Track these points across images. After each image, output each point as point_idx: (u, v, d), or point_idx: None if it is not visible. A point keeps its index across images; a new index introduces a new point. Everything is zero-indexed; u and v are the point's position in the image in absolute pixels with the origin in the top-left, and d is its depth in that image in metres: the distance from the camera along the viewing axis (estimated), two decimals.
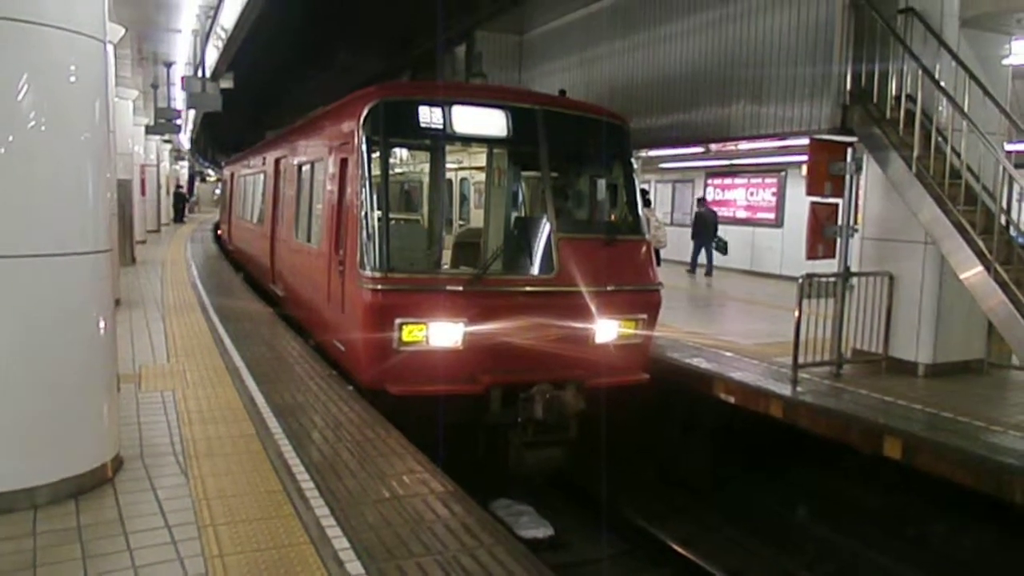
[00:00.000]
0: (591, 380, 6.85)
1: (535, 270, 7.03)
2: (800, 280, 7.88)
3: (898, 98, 7.94)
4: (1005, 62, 8.63)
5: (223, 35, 13.42)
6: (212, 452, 4.96)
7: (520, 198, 8.66)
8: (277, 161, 11.96)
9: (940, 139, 7.79)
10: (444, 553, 3.70)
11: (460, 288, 6.50)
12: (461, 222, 12.33)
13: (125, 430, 5.06)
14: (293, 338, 8.97)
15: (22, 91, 3.90)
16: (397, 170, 8.89)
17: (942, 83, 7.56)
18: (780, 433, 7.20)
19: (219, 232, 25.45)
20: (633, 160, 8.05)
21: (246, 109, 25.83)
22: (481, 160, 10.96)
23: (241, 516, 4.01)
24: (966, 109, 7.30)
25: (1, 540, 3.67)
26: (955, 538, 6.24)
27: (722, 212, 18.81)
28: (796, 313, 7.76)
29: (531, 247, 7.17)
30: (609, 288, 6.97)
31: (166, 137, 27.43)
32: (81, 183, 4.22)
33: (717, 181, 20.25)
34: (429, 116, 6.88)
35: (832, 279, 8.21)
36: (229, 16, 12.19)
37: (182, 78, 14.84)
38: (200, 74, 13.86)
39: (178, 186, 40.73)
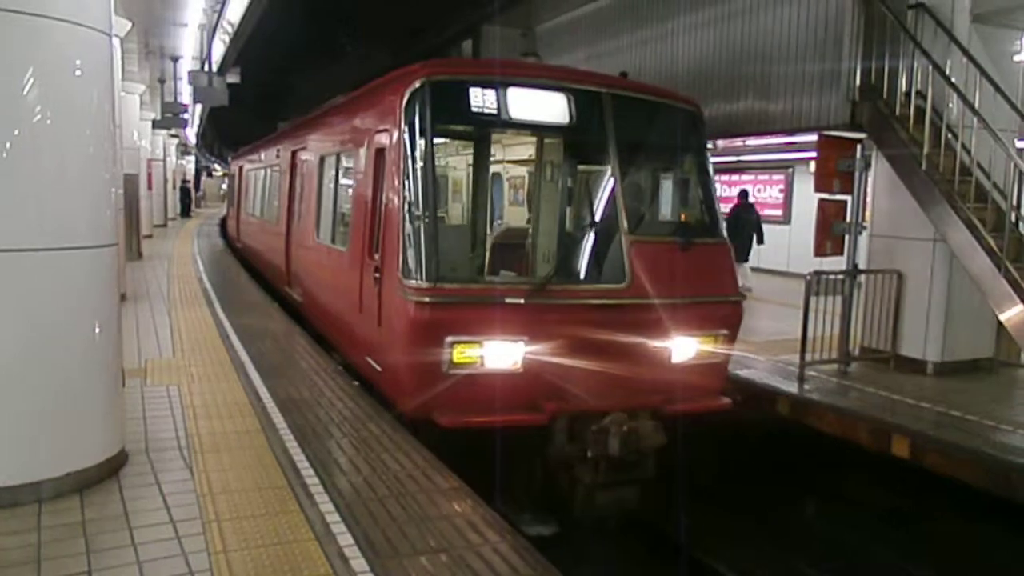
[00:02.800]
0: (668, 407, 6.00)
1: (603, 279, 6.01)
2: (808, 277, 7.84)
3: (908, 94, 7.88)
4: (1017, 58, 8.56)
5: (230, 29, 13.42)
6: (217, 447, 4.95)
7: (577, 194, 7.31)
8: (294, 154, 11.08)
9: (950, 136, 7.73)
10: (449, 550, 3.68)
11: (521, 301, 5.55)
12: (497, 221, 11.03)
13: (130, 425, 5.06)
14: (303, 337, 8.97)
15: (28, 85, 3.89)
16: (441, 162, 7.50)
17: (953, 79, 7.50)
18: (785, 430, 7.17)
19: (227, 229, 24.57)
20: (707, 151, 7.06)
21: (253, 104, 25.83)
22: (518, 152, 10.41)
23: (246, 512, 4.00)
24: (977, 105, 7.24)
25: (6, 534, 3.67)
26: (963, 537, 6.20)
27: (728, 209, 18.72)
28: (803, 310, 7.72)
29: (597, 252, 6.15)
30: (688, 300, 6.04)
31: (172, 132, 27.46)
32: (87, 177, 4.21)
33: (724, 177, 20.18)
34: (481, 99, 5.91)
35: (840, 276, 8.17)
36: (236, 10, 12.20)
37: (189, 72, 14.84)
38: (207, 68, 13.88)
39: (184, 181, 40.79)
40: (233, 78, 16.09)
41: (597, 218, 6.23)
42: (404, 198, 5.73)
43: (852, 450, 6.65)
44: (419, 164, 5.79)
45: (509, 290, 5.69)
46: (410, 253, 5.58)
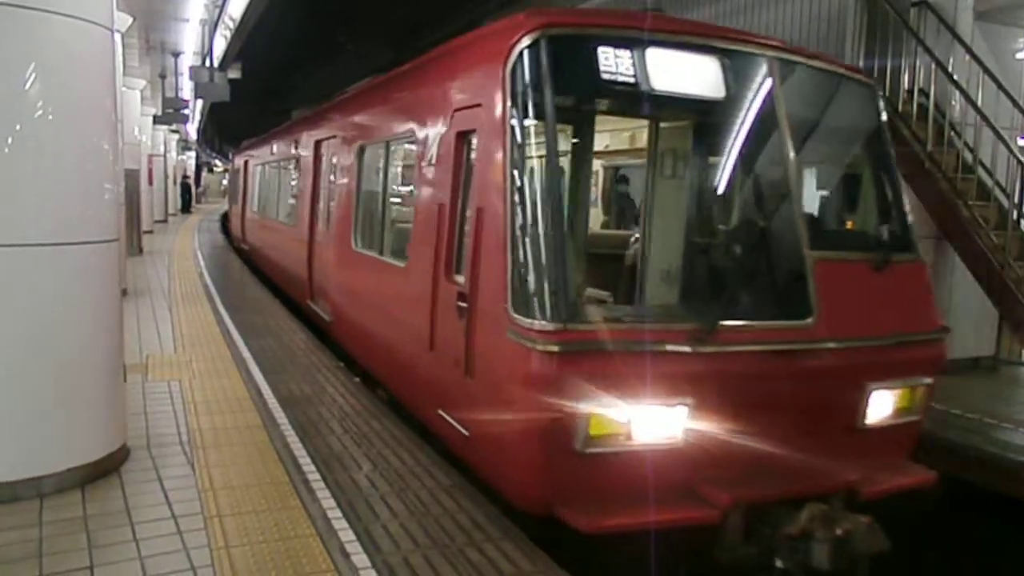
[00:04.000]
0: (867, 487, 4.41)
1: (779, 314, 4.35)
2: None
3: (911, 92, 7.87)
4: (1019, 56, 8.55)
5: (231, 25, 13.40)
6: (218, 443, 4.95)
7: (714, 194, 5.30)
8: (319, 144, 9.56)
9: (953, 133, 7.72)
10: (451, 546, 3.69)
11: (686, 349, 3.95)
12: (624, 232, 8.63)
13: (132, 420, 5.06)
14: (302, 330, 8.97)
15: (30, 80, 3.88)
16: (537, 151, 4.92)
17: (955, 77, 7.49)
18: None
19: (229, 227, 23.53)
20: (890, 140, 5.35)
21: (254, 99, 25.85)
22: (609, 139, 8.50)
23: (247, 507, 4.00)
24: (980, 103, 7.23)
25: (8, 529, 3.67)
26: (965, 534, 6.19)
27: None
28: None
29: (767, 277, 4.55)
30: (890, 340, 4.55)
31: (173, 127, 27.45)
32: (89, 172, 4.20)
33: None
34: (614, 62, 4.28)
35: None
36: (237, 6, 12.18)
37: (190, 68, 14.84)
38: (208, 64, 13.86)
39: (185, 176, 40.79)
40: (234, 74, 16.09)
41: (756, 226, 4.62)
42: (515, 201, 4.10)
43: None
44: (539, 153, 4.18)
45: (667, 333, 4.00)
46: (529, 280, 3.96)
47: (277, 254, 12.41)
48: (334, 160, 8.70)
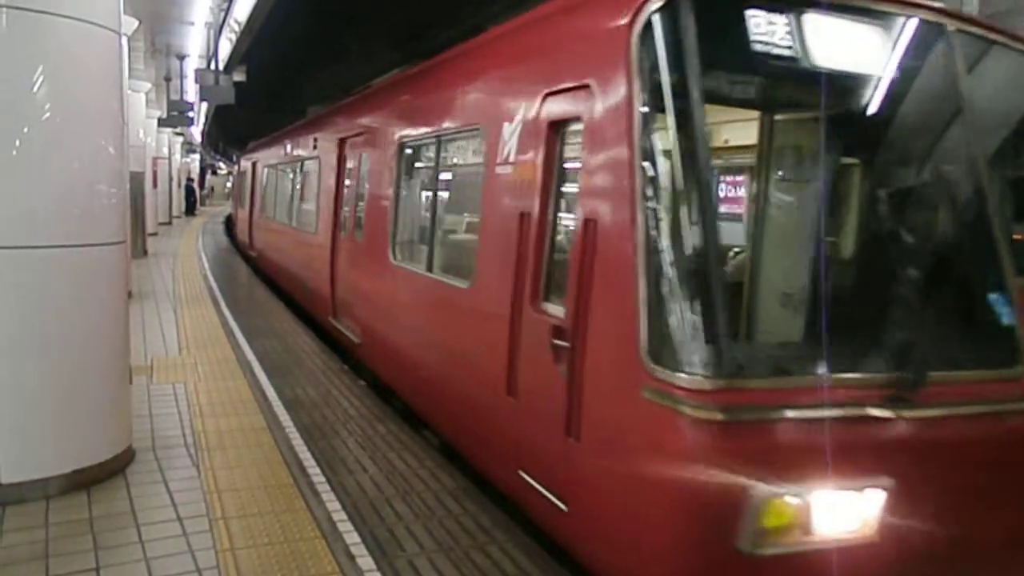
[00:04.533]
0: None
1: (978, 362, 3.33)
2: None
3: None
4: None
5: (236, 27, 13.44)
6: (223, 445, 4.96)
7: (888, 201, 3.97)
8: (344, 142, 8.55)
9: None
10: (456, 549, 3.69)
11: (889, 415, 3.03)
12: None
13: (137, 422, 5.07)
14: (306, 333, 8.97)
15: (38, 82, 3.90)
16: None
17: None
18: None
19: (234, 232, 22.68)
20: None
21: (258, 102, 25.89)
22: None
23: (252, 510, 4.00)
24: None
25: (14, 531, 3.68)
26: None
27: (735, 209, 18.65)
28: None
29: (957, 310, 3.64)
30: None
31: (178, 130, 27.52)
32: (96, 175, 4.21)
33: (729, 178, 20.10)
34: (767, 28, 3.30)
35: None
36: (243, 8, 12.21)
37: (196, 71, 14.88)
38: (213, 67, 13.89)
39: (189, 179, 40.88)
40: (239, 76, 16.12)
41: (950, 247, 3.71)
42: (653, 211, 3.09)
43: None
44: (684, 147, 3.10)
45: (858, 390, 3.04)
46: (678, 317, 2.98)
47: (292, 263, 11.30)
48: (364, 160, 7.71)
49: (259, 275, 14.42)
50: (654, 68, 3.18)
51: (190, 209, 36.85)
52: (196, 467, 4.57)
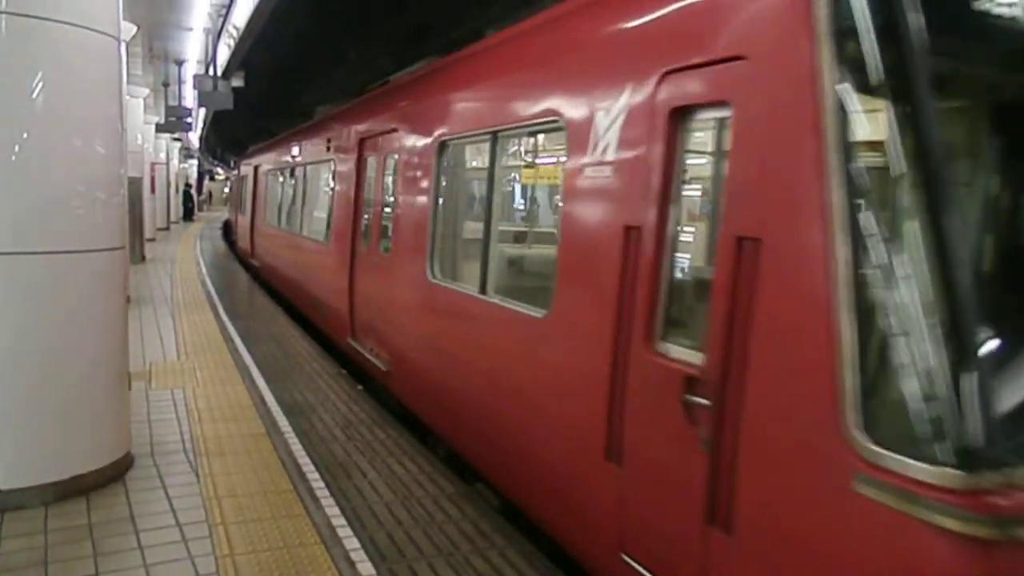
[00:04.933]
0: None
1: None
2: None
3: None
4: None
5: (235, 33, 13.44)
6: (222, 451, 4.95)
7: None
8: (365, 142, 7.70)
9: None
10: (455, 554, 3.68)
11: None
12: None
13: (136, 428, 5.07)
14: (306, 340, 8.96)
15: (37, 88, 3.90)
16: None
17: None
18: None
19: (233, 238, 22.09)
20: None
21: (255, 107, 25.91)
22: None
23: (252, 515, 4.00)
24: None
25: (13, 537, 3.67)
26: None
27: None
28: None
29: None
30: None
31: (176, 135, 27.53)
32: (95, 181, 4.22)
33: None
34: None
35: None
36: (241, 14, 12.22)
37: (194, 76, 14.88)
38: (212, 72, 13.89)
39: (187, 184, 40.86)
40: (238, 82, 16.12)
41: None
42: (867, 230, 2.26)
43: None
44: (906, 144, 2.24)
45: None
46: (905, 378, 2.12)
47: (301, 275, 10.45)
48: (390, 162, 6.80)
49: (262, 285, 13.87)
50: (858, 31, 2.32)
51: (188, 215, 36.82)
52: (195, 473, 4.56)
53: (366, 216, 7.49)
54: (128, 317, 4.92)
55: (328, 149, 9.22)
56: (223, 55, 14.43)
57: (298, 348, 8.29)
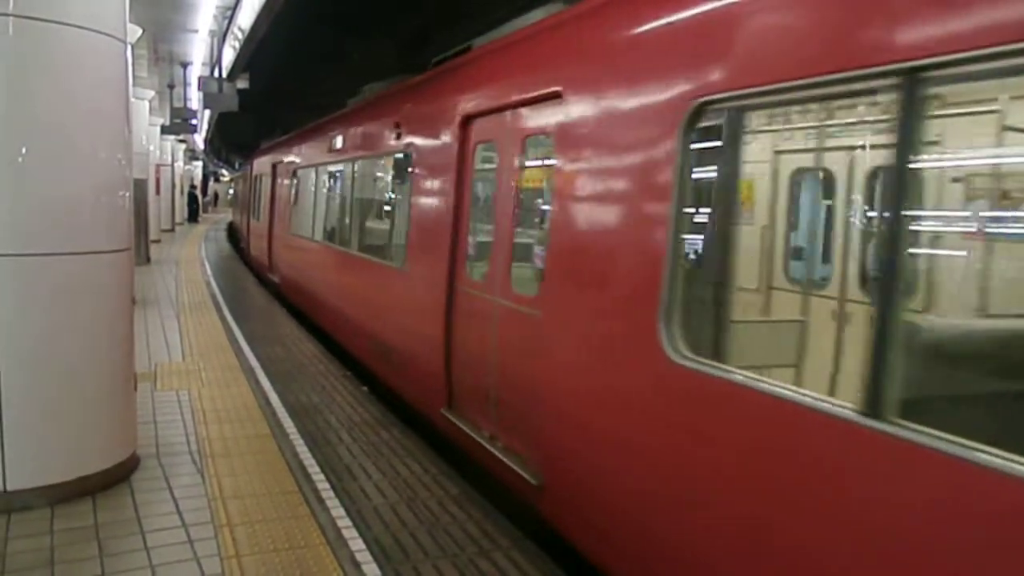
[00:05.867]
0: None
1: None
2: None
3: None
4: None
5: (240, 35, 13.48)
6: (228, 452, 4.96)
7: None
8: (467, 123, 5.37)
9: None
10: (461, 556, 3.68)
11: None
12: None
13: (141, 429, 5.07)
14: (309, 339, 8.96)
15: (44, 91, 3.92)
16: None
17: None
18: None
19: (241, 244, 20.38)
20: None
21: (261, 109, 25.97)
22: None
23: (257, 516, 4.00)
24: None
25: (19, 538, 3.68)
26: None
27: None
28: None
29: None
30: None
31: (181, 137, 27.59)
32: (102, 183, 4.23)
33: None
34: None
35: None
36: (246, 16, 12.25)
37: (200, 78, 14.92)
38: (217, 74, 13.93)
39: (192, 186, 40.94)
40: (242, 83, 16.16)
41: None
42: None
43: None
44: None
45: None
46: None
47: (350, 305, 8.21)
48: (529, 152, 4.65)
49: (286, 306, 11.54)
50: None
51: (193, 216, 36.89)
52: (201, 474, 4.57)
53: (483, 238, 5.15)
54: (133, 318, 4.93)
55: (398, 137, 6.92)
56: (228, 57, 14.47)
57: (303, 349, 8.30)
